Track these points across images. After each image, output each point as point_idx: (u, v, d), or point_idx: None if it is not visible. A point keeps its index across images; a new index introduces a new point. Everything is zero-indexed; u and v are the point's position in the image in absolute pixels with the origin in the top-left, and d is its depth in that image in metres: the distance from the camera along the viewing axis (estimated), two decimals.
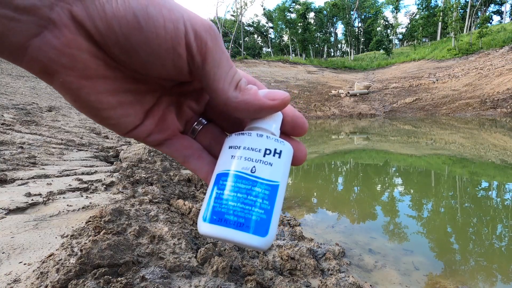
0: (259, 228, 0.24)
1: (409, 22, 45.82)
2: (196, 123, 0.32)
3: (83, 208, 1.80)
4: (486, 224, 2.75)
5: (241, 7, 37.48)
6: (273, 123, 0.28)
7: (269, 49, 48.24)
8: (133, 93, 0.27)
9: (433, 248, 2.35)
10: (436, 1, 38.39)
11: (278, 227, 2.28)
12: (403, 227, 2.78)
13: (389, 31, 39.85)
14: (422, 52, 29.25)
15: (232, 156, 0.27)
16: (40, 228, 1.49)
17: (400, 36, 46.80)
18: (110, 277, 1.06)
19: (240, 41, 41.07)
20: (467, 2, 34.58)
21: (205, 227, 0.25)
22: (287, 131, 0.31)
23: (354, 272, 1.84)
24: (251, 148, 0.27)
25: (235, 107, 0.26)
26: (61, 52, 0.21)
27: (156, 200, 2.12)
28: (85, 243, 1.20)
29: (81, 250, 1.14)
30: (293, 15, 38.04)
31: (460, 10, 33.49)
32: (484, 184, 4.16)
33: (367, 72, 29.72)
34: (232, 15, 44.93)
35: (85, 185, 2.26)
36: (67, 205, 1.82)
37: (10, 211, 1.66)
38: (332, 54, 54.87)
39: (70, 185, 2.23)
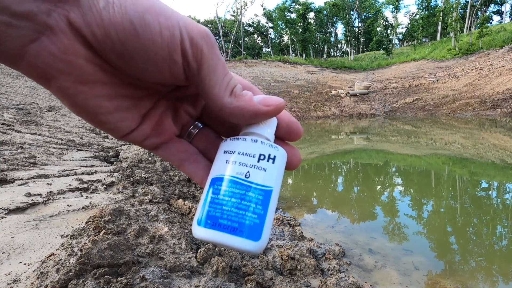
0: (252, 232, 0.24)
1: (409, 22, 45.82)
2: (192, 127, 0.33)
3: (83, 208, 1.80)
4: (486, 224, 2.75)
5: (241, 7, 37.48)
6: (268, 128, 0.29)
7: (269, 49, 48.26)
8: (130, 98, 0.27)
9: (433, 248, 2.35)
10: (436, 1, 38.39)
11: (278, 227, 2.28)
12: (403, 227, 2.78)
13: (389, 31, 39.84)
14: (422, 52, 29.25)
15: (227, 161, 0.28)
16: (40, 228, 1.49)
17: (400, 36, 46.80)
18: (110, 277, 1.06)
19: (240, 41, 41.08)
20: (467, 2, 34.57)
21: (199, 231, 0.25)
22: (282, 136, 0.31)
23: (354, 272, 1.84)
24: (246, 153, 0.27)
25: (230, 113, 0.27)
26: (58, 58, 0.21)
27: (156, 200, 2.12)
28: (85, 243, 1.20)
29: (81, 250, 1.14)
30: (293, 15, 38.03)
31: (460, 10, 33.48)
32: (484, 184, 4.16)
33: (367, 72, 29.72)
34: (232, 15, 44.95)
35: (85, 185, 2.26)
36: (67, 205, 1.82)
37: (10, 211, 1.66)
38: (332, 54, 54.88)
39: (70, 185, 2.23)
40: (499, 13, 43.80)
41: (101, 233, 1.29)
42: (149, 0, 0.22)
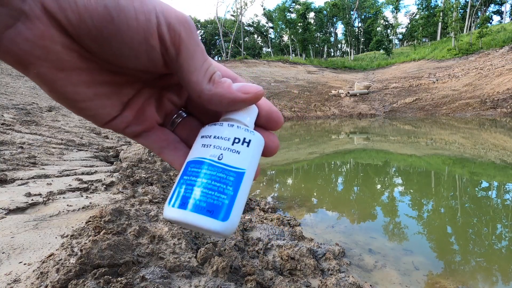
0: (220, 213, 0.24)
1: (409, 22, 45.82)
2: (175, 116, 0.33)
3: (83, 208, 1.80)
4: (486, 224, 2.75)
5: (241, 7, 37.47)
6: (247, 116, 0.29)
7: (269, 49, 48.25)
8: (109, 84, 0.27)
9: (433, 248, 2.35)
10: (436, 1, 38.39)
11: (278, 227, 2.27)
12: (403, 227, 2.78)
13: (389, 31, 39.81)
14: (422, 52, 29.24)
15: (203, 145, 0.28)
16: (40, 228, 1.49)
17: (400, 36, 46.80)
18: (110, 277, 1.06)
19: (240, 41, 41.07)
20: (467, 2, 34.57)
21: (168, 212, 0.25)
22: (262, 125, 0.31)
23: (354, 272, 1.84)
24: (221, 137, 0.28)
25: (209, 100, 0.27)
26: (35, 44, 0.21)
27: (156, 200, 2.12)
28: (85, 243, 1.20)
29: (81, 250, 1.14)
30: (293, 15, 38.01)
31: (460, 10, 33.47)
32: (484, 184, 4.16)
33: (367, 72, 29.71)
34: (232, 15, 44.94)
35: (85, 185, 2.26)
36: (67, 205, 1.82)
37: (10, 211, 1.66)
38: (332, 54, 54.86)
39: (70, 185, 2.23)
40: (499, 13, 43.80)
41: (101, 233, 1.29)
42: None
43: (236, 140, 0.27)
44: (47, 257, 1.17)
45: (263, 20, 50.57)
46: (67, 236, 1.41)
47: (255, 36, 55.92)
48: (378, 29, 40.09)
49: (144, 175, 2.73)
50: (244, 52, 40.34)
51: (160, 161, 3.48)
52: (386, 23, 39.89)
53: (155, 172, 3.01)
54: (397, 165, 5.74)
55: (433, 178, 4.64)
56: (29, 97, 7.06)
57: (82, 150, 3.79)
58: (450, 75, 21.62)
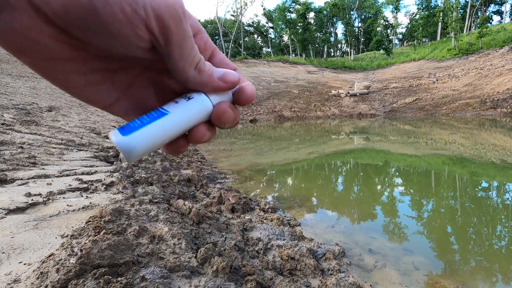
0: (126, 130, 0.28)
1: (409, 22, 45.83)
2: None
3: (83, 208, 1.80)
4: (486, 224, 2.75)
5: (241, 7, 37.47)
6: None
7: (269, 49, 48.23)
8: (102, 71, 0.27)
9: (433, 248, 2.35)
10: (436, 1, 38.40)
11: (278, 227, 2.27)
12: (403, 227, 2.78)
13: (389, 31, 39.83)
14: (422, 52, 29.24)
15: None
16: (40, 228, 1.48)
17: (400, 36, 46.80)
18: (110, 277, 1.06)
19: (240, 41, 41.05)
20: (467, 2, 34.57)
21: (111, 134, 0.29)
22: (235, 98, 0.33)
23: (354, 272, 1.84)
24: (177, 99, 0.31)
25: (194, 86, 0.30)
26: (23, 36, 0.21)
27: (156, 200, 2.12)
28: (85, 243, 1.20)
29: (81, 250, 1.14)
30: (293, 15, 38.02)
31: (460, 10, 33.48)
32: (484, 184, 4.16)
33: (367, 72, 29.71)
34: (232, 15, 44.93)
35: (85, 185, 2.26)
36: (67, 205, 1.82)
37: (10, 211, 1.66)
38: (332, 54, 54.86)
39: (70, 185, 2.23)
40: (499, 13, 43.79)
41: (101, 233, 1.29)
42: None
43: (183, 96, 0.31)
44: (47, 257, 1.17)
45: (263, 20, 50.59)
46: (67, 236, 1.40)
47: (255, 36, 55.93)
48: (378, 29, 40.10)
49: (144, 175, 2.72)
50: (244, 52, 40.34)
51: (160, 161, 3.48)
52: (386, 23, 39.91)
53: (155, 172, 3.01)
54: (397, 165, 5.74)
55: (433, 178, 4.64)
56: (29, 97, 7.06)
57: (82, 150, 3.79)
58: (450, 75, 21.62)
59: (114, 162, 3.44)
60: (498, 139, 7.83)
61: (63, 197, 1.97)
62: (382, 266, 1.96)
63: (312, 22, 40.38)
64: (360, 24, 47.08)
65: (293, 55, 39.20)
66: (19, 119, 4.48)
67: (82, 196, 2.04)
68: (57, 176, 2.46)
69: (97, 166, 3.05)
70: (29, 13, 0.21)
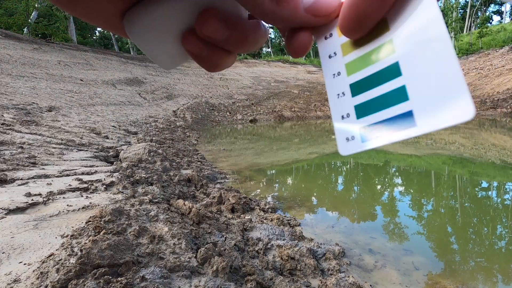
0: None
1: None
2: None
3: (83, 208, 1.80)
4: (486, 224, 2.75)
5: None
6: None
7: (269, 49, 48.28)
8: None
9: (433, 248, 2.35)
10: None
11: (278, 227, 2.27)
12: (403, 227, 2.78)
13: None
14: None
15: None
16: (40, 228, 1.48)
17: None
18: (110, 277, 1.06)
19: None
20: (467, 2, 34.57)
21: None
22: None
23: (354, 272, 1.84)
24: None
25: (273, 22, 0.23)
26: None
27: (156, 200, 2.12)
28: (85, 243, 1.20)
29: (81, 250, 1.14)
30: None
31: (460, 10, 33.50)
32: (484, 184, 4.16)
33: None
34: None
35: (85, 185, 2.26)
36: (67, 205, 1.82)
37: (10, 211, 1.66)
38: None
39: (70, 185, 2.23)
40: (499, 13, 43.79)
41: (101, 233, 1.29)
42: None
43: None
44: (47, 257, 1.17)
45: None
46: (67, 236, 1.40)
47: None
48: None
49: (144, 175, 2.72)
50: None
51: (160, 161, 3.48)
52: None
53: (155, 172, 3.01)
54: (397, 165, 5.75)
55: (433, 178, 4.64)
56: (29, 97, 7.06)
57: (82, 150, 3.79)
58: None
59: (114, 162, 3.44)
60: (498, 139, 7.83)
61: (63, 197, 1.97)
62: (382, 266, 1.96)
63: None
64: None
65: None
66: (19, 119, 4.48)
67: (82, 196, 2.04)
68: (57, 176, 2.46)
69: (97, 166, 3.05)
70: None
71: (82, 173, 2.65)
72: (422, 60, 0.19)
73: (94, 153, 3.68)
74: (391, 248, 2.28)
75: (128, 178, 2.60)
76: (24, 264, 1.17)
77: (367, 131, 0.21)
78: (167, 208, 2.03)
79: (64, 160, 3.10)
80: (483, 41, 24.20)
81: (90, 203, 1.89)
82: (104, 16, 0.23)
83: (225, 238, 1.83)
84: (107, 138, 5.07)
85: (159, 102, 12.99)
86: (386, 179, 4.73)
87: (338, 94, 0.23)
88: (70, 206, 1.80)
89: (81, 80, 11.79)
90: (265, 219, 2.49)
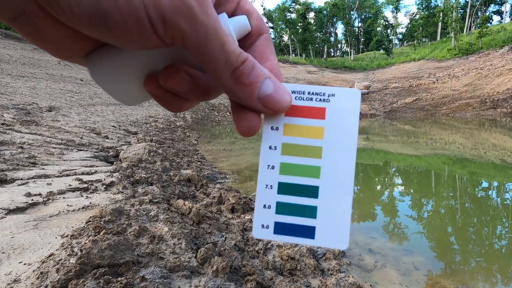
0: None
1: (409, 22, 45.84)
2: None
3: (83, 208, 1.80)
4: (486, 224, 2.75)
5: None
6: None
7: None
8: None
9: (433, 248, 2.35)
10: (436, 1, 38.43)
11: None
12: (403, 227, 2.78)
13: (389, 31, 39.85)
14: (422, 52, 29.26)
15: None
16: (40, 228, 1.49)
17: (400, 36, 46.82)
18: (110, 277, 1.06)
19: None
20: (467, 2, 34.59)
21: None
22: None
23: (354, 272, 1.84)
24: None
25: (228, 95, 0.24)
26: (39, 34, 0.21)
27: (156, 200, 2.12)
28: (85, 243, 1.20)
29: (81, 250, 1.14)
30: (293, 15, 38.07)
31: (460, 10, 33.54)
32: (484, 184, 4.16)
33: (367, 72, 29.72)
34: None
35: (85, 185, 2.26)
36: (67, 205, 1.82)
37: (10, 211, 1.66)
38: (332, 54, 54.86)
39: (70, 185, 2.23)
40: (499, 13, 43.80)
41: (101, 233, 1.29)
42: None
43: None
44: (47, 257, 1.17)
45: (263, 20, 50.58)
46: (67, 236, 1.41)
47: None
48: (378, 29, 40.12)
49: (144, 175, 2.73)
50: None
51: (160, 161, 3.48)
52: (386, 23, 39.92)
53: (155, 172, 3.01)
54: (397, 165, 5.74)
55: (433, 178, 4.64)
56: (29, 97, 7.06)
57: (82, 150, 3.79)
58: (450, 75, 21.62)
59: (114, 162, 3.44)
60: (498, 139, 7.83)
61: (63, 197, 1.97)
62: (382, 266, 1.96)
63: (312, 22, 40.43)
64: (360, 24, 47.12)
65: (293, 55, 39.20)
66: (19, 119, 4.48)
67: (82, 196, 2.04)
68: (57, 176, 2.46)
69: (97, 166, 3.05)
70: (42, 18, 0.20)
71: (82, 173, 2.65)
72: (333, 190, 0.25)
73: (94, 153, 3.68)
74: (391, 248, 2.28)
75: (128, 178, 2.60)
76: (24, 264, 1.17)
77: (279, 227, 0.26)
78: (167, 208, 2.03)
79: (64, 160, 3.10)
80: (483, 41, 24.22)
81: (90, 203, 1.89)
82: (68, 55, 0.24)
83: (225, 238, 1.83)
84: (107, 138, 5.07)
85: None
86: (386, 179, 4.73)
87: (267, 185, 0.26)
88: (70, 206, 1.80)
89: (81, 80, 11.79)
90: None
